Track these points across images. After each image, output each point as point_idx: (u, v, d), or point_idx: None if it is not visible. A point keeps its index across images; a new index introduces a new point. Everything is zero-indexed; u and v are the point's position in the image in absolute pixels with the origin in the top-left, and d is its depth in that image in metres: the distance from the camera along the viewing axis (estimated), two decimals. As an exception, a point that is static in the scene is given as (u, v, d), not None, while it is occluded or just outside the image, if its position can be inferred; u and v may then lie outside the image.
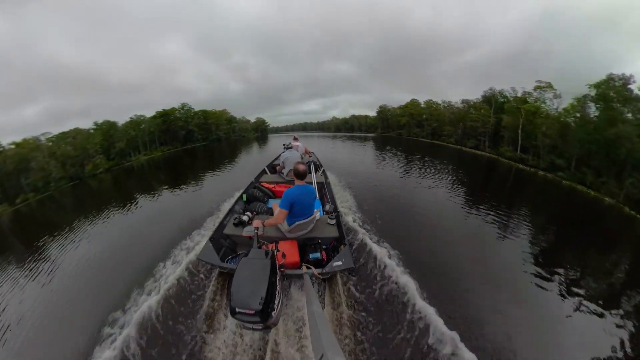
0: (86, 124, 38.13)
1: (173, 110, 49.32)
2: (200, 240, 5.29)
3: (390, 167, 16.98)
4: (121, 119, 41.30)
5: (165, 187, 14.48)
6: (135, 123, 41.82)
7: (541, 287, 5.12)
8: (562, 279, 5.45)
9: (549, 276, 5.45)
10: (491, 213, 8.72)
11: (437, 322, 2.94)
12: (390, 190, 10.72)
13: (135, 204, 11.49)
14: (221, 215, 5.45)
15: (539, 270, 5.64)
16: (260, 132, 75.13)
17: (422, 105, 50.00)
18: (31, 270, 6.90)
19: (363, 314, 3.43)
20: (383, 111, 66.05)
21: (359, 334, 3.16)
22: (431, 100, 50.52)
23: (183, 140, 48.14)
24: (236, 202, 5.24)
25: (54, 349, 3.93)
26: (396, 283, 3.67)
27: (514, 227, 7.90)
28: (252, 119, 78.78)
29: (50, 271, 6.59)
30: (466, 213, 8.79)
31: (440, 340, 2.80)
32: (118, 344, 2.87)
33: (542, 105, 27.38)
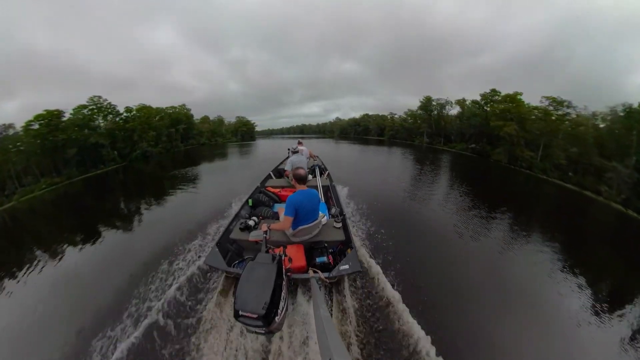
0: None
1: (79, 108, 29.52)
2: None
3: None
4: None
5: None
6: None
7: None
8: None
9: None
10: None
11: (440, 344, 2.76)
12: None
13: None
14: (226, 222, 5.17)
15: None
16: (242, 136, 54.47)
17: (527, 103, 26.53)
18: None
19: (371, 319, 3.30)
20: (428, 105, 42.41)
21: (366, 338, 3.05)
22: (519, 96, 26.80)
23: (91, 162, 28.35)
24: (242, 207, 5.15)
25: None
26: (398, 302, 3.34)
27: None
28: (251, 121, 59.86)
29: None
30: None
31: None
32: (122, 347, 2.89)
33: None
